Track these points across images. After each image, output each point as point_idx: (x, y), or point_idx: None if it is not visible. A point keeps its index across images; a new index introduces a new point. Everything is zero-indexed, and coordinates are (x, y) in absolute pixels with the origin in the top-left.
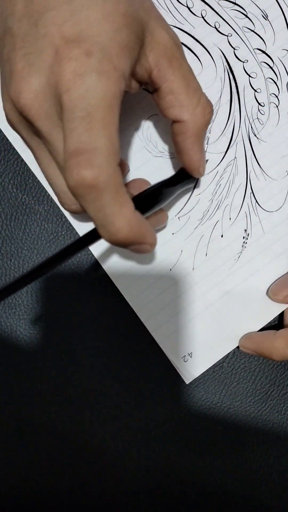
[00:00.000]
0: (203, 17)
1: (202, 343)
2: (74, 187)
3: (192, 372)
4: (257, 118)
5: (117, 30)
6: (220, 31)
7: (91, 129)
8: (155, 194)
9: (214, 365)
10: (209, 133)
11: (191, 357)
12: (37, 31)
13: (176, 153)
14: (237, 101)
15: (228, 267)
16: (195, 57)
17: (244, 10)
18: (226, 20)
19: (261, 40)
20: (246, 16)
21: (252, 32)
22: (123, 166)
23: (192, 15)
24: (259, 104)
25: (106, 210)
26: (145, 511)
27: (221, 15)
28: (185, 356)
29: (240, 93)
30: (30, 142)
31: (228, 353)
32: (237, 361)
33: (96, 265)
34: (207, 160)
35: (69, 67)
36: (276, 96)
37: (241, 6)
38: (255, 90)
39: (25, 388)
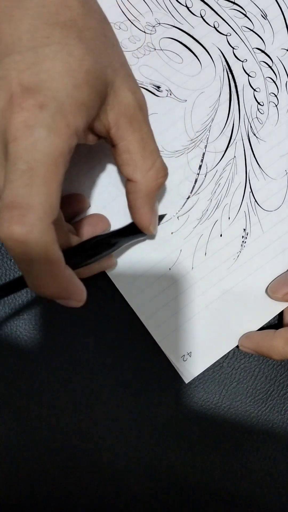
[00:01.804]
0: (202, 17)
1: (201, 342)
2: (3, 239)
3: (192, 371)
4: (256, 117)
5: (77, 87)
6: (219, 30)
7: (30, 185)
8: (97, 245)
9: (214, 365)
10: (209, 132)
11: (190, 356)
12: None
13: (128, 208)
14: (236, 100)
15: (227, 266)
16: (194, 56)
17: (243, 9)
18: (225, 20)
19: (260, 40)
20: (245, 15)
21: (251, 32)
22: (81, 202)
23: (191, 14)
24: (258, 103)
25: (34, 267)
26: (145, 511)
27: (220, 14)
28: (184, 355)
29: (239, 93)
30: None
31: (228, 353)
32: (237, 361)
33: None
34: (163, 216)
35: (20, 116)
36: (275, 96)
37: (240, 5)
38: (254, 90)
39: (25, 388)
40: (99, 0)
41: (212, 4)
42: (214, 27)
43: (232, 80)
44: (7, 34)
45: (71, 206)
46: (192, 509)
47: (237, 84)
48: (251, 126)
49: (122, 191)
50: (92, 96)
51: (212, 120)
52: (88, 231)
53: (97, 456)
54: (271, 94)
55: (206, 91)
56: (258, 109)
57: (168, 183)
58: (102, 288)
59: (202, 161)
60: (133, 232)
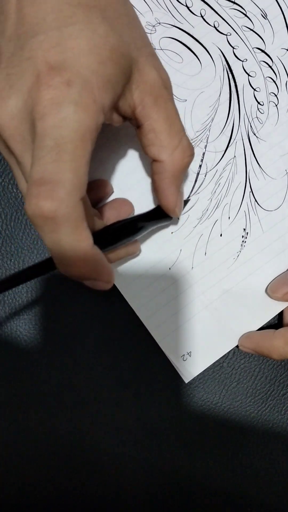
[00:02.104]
0: (202, 16)
1: (201, 342)
2: (31, 216)
3: (191, 371)
4: (257, 117)
5: (102, 63)
6: (220, 30)
7: (58, 161)
8: (122, 229)
9: (214, 365)
10: (209, 131)
11: (190, 356)
12: (23, 53)
13: (154, 190)
14: (236, 100)
15: (227, 266)
16: (194, 56)
17: (243, 9)
18: (225, 19)
19: (260, 39)
20: (245, 15)
21: (251, 31)
22: (105, 187)
23: (191, 14)
24: (258, 103)
25: (62, 244)
26: (145, 511)
27: (220, 14)
28: (184, 355)
29: (239, 92)
30: (8, 159)
31: (228, 353)
32: (237, 361)
33: None
34: (188, 201)
35: (48, 94)
36: (275, 95)
37: (240, 5)
38: (254, 89)
39: (25, 387)
40: None
41: (212, 3)
42: (214, 27)
43: (232, 79)
44: (31, 17)
45: (95, 191)
46: (192, 509)
47: (237, 83)
48: (251, 126)
49: (145, 175)
50: (117, 73)
51: (212, 119)
52: (113, 215)
53: (97, 456)
54: (271, 93)
55: (206, 90)
56: (258, 109)
57: None
58: None
59: (202, 160)
60: (158, 216)
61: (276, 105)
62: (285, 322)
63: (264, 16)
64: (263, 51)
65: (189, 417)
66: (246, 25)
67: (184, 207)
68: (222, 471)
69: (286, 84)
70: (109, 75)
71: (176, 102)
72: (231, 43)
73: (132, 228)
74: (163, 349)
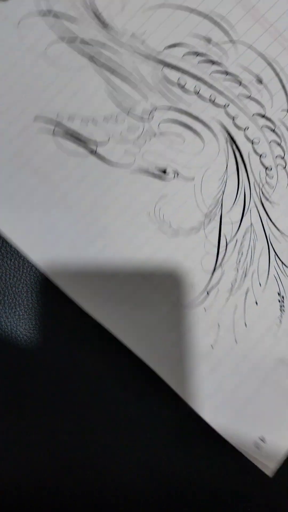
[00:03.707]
0: (197, 93)
1: (271, 422)
2: None
3: (274, 459)
4: (267, 183)
5: None
6: (217, 103)
7: None
8: None
9: None
10: (221, 204)
11: (264, 442)
12: None
13: None
14: (244, 170)
15: (273, 333)
16: (196, 134)
17: (238, 78)
18: (221, 91)
19: (259, 105)
20: (241, 83)
21: (249, 99)
22: None
23: (186, 93)
24: (266, 168)
25: None
26: (145, 511)
27: (215, 87)
28: (257, 442)
29: (245, 161)
30: None
31: None
32: None
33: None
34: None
35: None
36: (282, 158)
37: (234, 74)
38: (260, 155)
39: (25, 387)
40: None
41: (206, 78)
42: (211, 101)
43: (237, 150)
44: None
45: None
46: (192, 509)
47: (242, 153)
48: (262, 192)
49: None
50: None
51: (223, 192)
52: None
53: (97, 456)
54: (277, 157)
55: (212, 166)
56: (267, 174)
57: (191, 260)
58: None
59: (220, 233)
60: None
61: (284, 168)
62: None
63: (260, 81)
64: (263, 116)
65: (189, 417)
66: (242, 93)
67: None
68: (222, 471)
69: None
70: None
71: (184, 182)
72: (230, 114)
73: None
74: (231, 441)
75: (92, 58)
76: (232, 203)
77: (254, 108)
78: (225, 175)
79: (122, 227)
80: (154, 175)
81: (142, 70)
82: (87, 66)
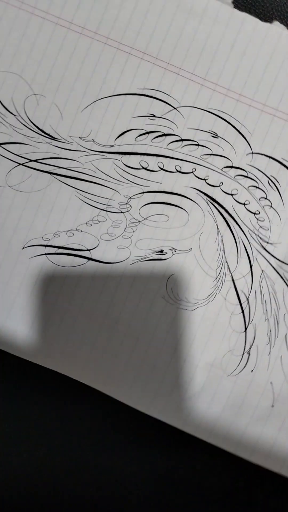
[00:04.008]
0: (162, 169)
1: None
2: None
3: None
4: (260, 227)
5: None
6: (184, 171)
7: None
8: None
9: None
10: (227, 263)
11: None
12: None
13: None
14: (235, 223)
15: None
16: (177, 207)
17: (193, 141)
18: (183, 159)
19: (224, 158)
20: (198, 145)
21: (212, 156)
22: None
23: (152, 172)
24: (255, 213)
25: None
26: (144, 511)
27: (176, 157)
28: None
29: (232, 214)
30: None
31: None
32: None
33: None
34: None
35: None
36: (266, 198)
37: (188, 139)
38: (244, 204)
39: (24, 387)
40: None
41: (164, 152)
42: (178, 171)
43: (220, 207)
44: None
45: None
46: (192, 509)
47: (226, 208)
48: (260, 237)
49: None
50: None
51: (224, 251)
52: None
53: (96, 456)
54: (261, 199)
55: (203, 230)
56: (257, 219)
57: (219, 327)
58: None
59: (236, 291)
60: None
61: (271, 207)
62: None
63: (215, 135)
64: (232, 166)
65: None
66: (203, 153)
67: None
68: (222, 471)
69: (268, 183)
70: None
71: (183, 255)
72: (200, 177)
73: None
74: None
75: (53, 173)
76: (236, 258)
77: (220, 162)
78: (219, 235)
79: (143, 318)
80: (154, 259)
81: (103, 167)
82: (51, 181)
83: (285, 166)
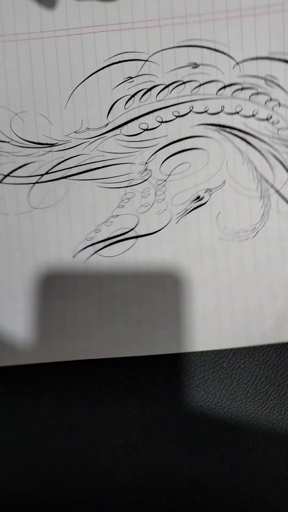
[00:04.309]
0: (162, 122)
1: None
2: None
3: None
4: (279, 129)
5: None
6: (182, 114)
7: None
8: None
9: (214, 365)
10: (264, 179)
11: None
12: None
13: None
14: (252, 138)
15: None
16: (193, 150)
17: (178, 81)
18: (177, 103)
19: (214, 82)
20: (184, 82)
21: (201, 86)
22: None
23: (154, 129)
24: (267, 119)
25: None
26: (144, 511)
27: (170, 104)
28: None
29: (247, 131)
30: None
31: (228, 353)
32: (236, 361)
33: None
34: None
35: None
36: (271, 99)
37: (173, 82)
38: (253, 115)
39: (24, 387)
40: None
41: (157, 106)
42: (177, 116)
43: (232, 129)
44: None
45: None
46: (192, 509)
47: (238, 127)
48: (283, 139)
49: None
50: None
51: (255, 169)
52: None
53: (96, 456)
54: (266, 102)
55: (227, 158)
56: (272, 123)
57: (286, 242)
58: None
59: (284, 199)
60: None
61: (280, 105)
62: None
63: (195, 65)
64: (225, 86)
65: (189, 417)
66: (193, 87)
67: None
68: (222, 471)
69: (266, 83)
70: None
71: (220, 190)
72: (200, 111)
73: None
74: None
75: (67, 177)
76: (270, 169)
77: (212, 88)
78: (244, 156)
79: (209, 269)
80: (195, 208)
81: (108, 147)
82: (69, 184)
83: (274, 59)
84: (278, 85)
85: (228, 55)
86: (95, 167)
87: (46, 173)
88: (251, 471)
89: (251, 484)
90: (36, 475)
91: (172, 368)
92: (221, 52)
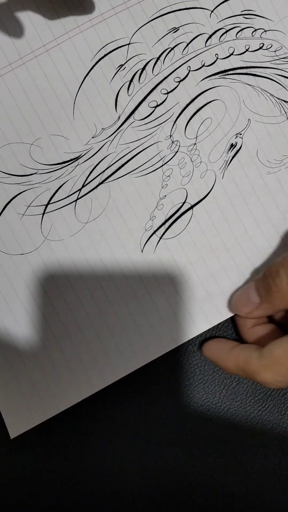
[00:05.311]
0: (168, 93)
1: None
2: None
3: None
4: (276, 50)
5: None
6: (183, 77)
7: None
8: None
9: (214, 365)
10: (284, 101)
11: None
12: None
13: None
14: (257, 69)
15: None
16: (207, 105)
17: (166, 49)
18: (173, 70)
19: (198, 37)
20: (172, 48)
21: (189, 45)
22: None
23: (164, 103)
24: (261, 49)
25: None
26: (145, 511)
27: (167, 74)
28: None
29: (248, 65)
30: None
31: None
32: None
33: None
34: None
35: None
36: (255, 29)
37: (161, 52)
38: (247, 50)
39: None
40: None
41: (156, 80)
42: (179, 82)
43: (234, 70)
44: None
45: None
46: (192, 509)
47: (238, 66)
48: (286, 58)
49: None
50: None
51: (273, 96)
52: None
53: (96, 456)
54: (253, 33)
55: (242, 98)
56: (268, 50)
57: None
58: None
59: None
60: None
61: (266, 30)
62: (244, 337)
63: (176, 29)
64: (210, 36)
65: (189, 417)
66: (181, 50)
67: None
68: (222, 471)
69: (244, 17)
70: None
71: (249, 130)
72: (197, 68)
73: None
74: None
75: (104, 181)
76: (285, 89)
77: (200, 43)
78: (257, 89)
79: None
80: (235, 155)
81: (129, 137)
82: (108, 187)
83: None
84: (256, 15)
85: (201, 8)
86: (125, 161)
87: (83, 186)
88: (251, 471)
89: (251, 484)
90: (36, 475)
91: (172, 368)
92: (193, 8)
